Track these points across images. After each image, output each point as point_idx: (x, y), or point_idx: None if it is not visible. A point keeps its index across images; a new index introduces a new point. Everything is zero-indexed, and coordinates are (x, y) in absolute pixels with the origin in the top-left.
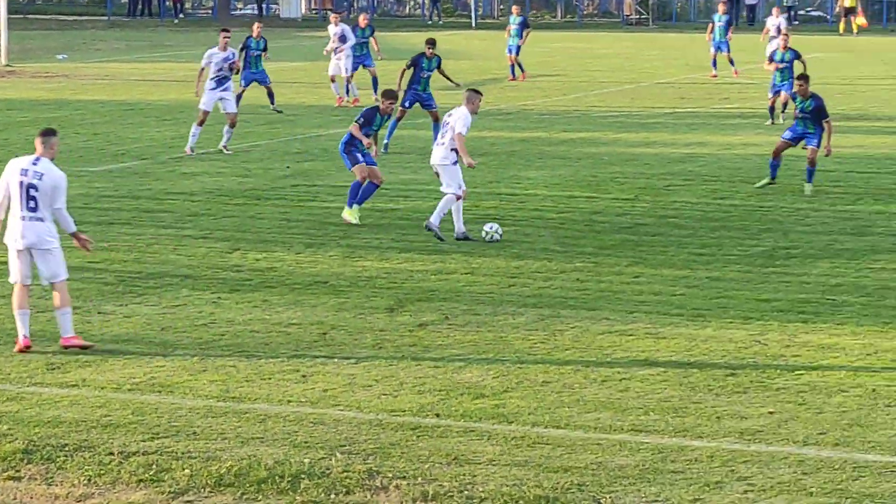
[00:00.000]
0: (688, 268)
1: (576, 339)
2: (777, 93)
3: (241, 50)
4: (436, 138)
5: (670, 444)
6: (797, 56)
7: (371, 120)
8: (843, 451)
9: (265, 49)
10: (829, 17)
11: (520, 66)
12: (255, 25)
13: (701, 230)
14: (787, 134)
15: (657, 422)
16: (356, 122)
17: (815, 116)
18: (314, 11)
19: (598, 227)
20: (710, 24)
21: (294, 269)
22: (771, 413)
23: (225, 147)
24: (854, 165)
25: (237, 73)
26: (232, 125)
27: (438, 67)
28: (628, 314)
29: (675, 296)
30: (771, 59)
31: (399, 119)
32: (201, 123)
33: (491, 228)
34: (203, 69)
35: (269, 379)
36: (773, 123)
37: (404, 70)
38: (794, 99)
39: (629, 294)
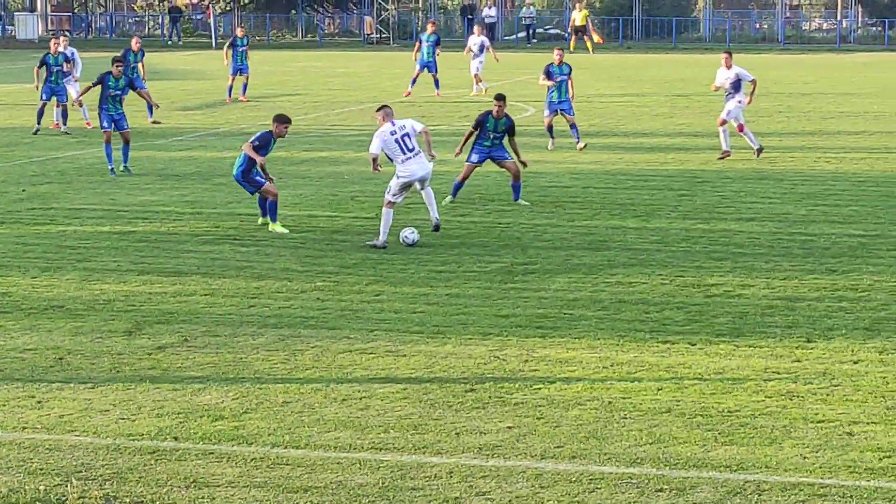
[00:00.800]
0: (428, 285)
1: (316, 359)
2: (555, 112)
3: (41, 66)
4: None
5: (410, 462)
6: (571, 71)
7: (266, 144)
8: (580, 463)
9: (67, 60)
10: (566, 35)
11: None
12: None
13: (441, 247)
14: (474, 157)
15: (397, 439)
16: (251, 143)
17: (509, 134)
18: (51, 32)
19: (340, 246)
20: (418, 43)
21: (30, 294)
22: (509, 428)
23: None
24: (591, 181)
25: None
26: None
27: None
28: (369, 332)
29: (416, 313)
30: (548, 76)
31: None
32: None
33: (406, 237)
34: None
35: (3, 406)
36: (553, 146)
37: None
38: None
39: (370, 312)
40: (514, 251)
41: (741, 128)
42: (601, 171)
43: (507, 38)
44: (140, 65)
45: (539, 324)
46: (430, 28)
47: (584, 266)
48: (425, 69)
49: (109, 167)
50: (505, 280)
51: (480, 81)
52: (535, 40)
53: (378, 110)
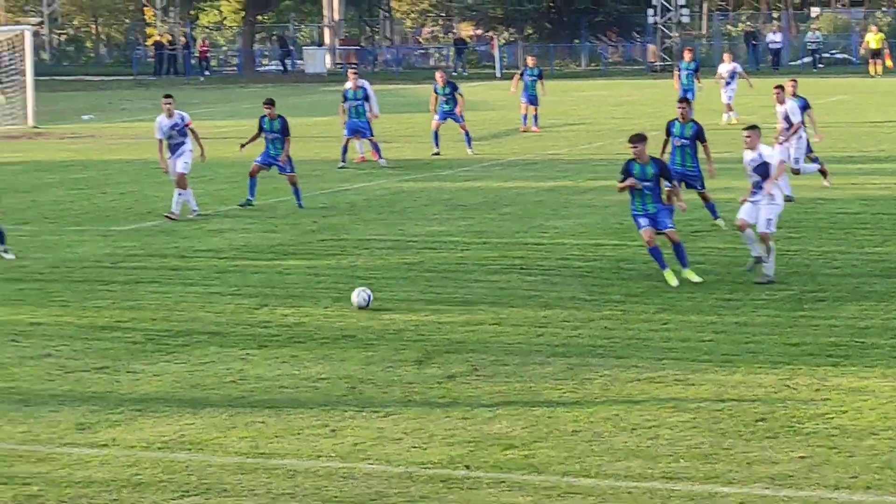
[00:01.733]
0: (716, 313)
1: (605, 388)
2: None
3: (344, 101)
4: None
5: (701, 492)
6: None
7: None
8: (876, 494)
9: (366, 98)
10: (853, 59)
11: (535, 118)
12: (351, 73)
13: (728, 276)
14: None
15: (687, 469)
16: None
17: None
18: (339, 66)
19: (626, 275)
20: (676, 71)
21: (322, 324)
22: (802, 458)
23: (172, 214)
24: (882, 207)
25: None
26: (179, 186)
27: None
28: (657, 361)
29: (704, 342)
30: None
31: None
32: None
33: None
34: (161, 141)
35: (299, 434)
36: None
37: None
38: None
39: (658, 341)
40: (803, 279)
41: None
42: (891, 196)
43: (792, 63)
44: (457, 96)
45: (830, 352)
46: (687, 56)
47: (875, 293)
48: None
49: None
50: (794, 308)
51: (731, 110)
52: (821, 65)
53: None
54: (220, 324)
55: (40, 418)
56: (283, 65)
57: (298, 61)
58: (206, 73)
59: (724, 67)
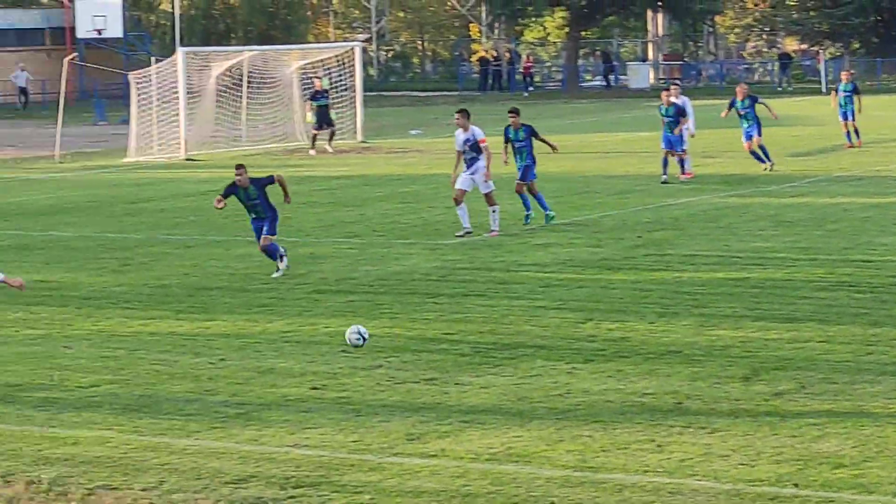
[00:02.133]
0: None
1: None
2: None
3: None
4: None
5: None
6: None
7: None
8: None
9: (683, 115)
10: None
11: (856, 131)
12: (668, 92)
13: None
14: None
15: None
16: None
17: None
18: (661, 81)
19: None
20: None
21: (647, 339)
22: None
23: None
24: None
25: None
26: (490, 205)
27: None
28: None
29: None
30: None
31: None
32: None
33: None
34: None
35: (626, 448)
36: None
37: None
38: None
39: None
40: None
41: None
42: None
43: None
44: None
45: None
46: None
47: None
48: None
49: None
50: None
51: None
52: None
53: None
54: (545, 337)
55: (371, 428)
56: (607, 80)
57: (622, 77)
58: (530, 88)
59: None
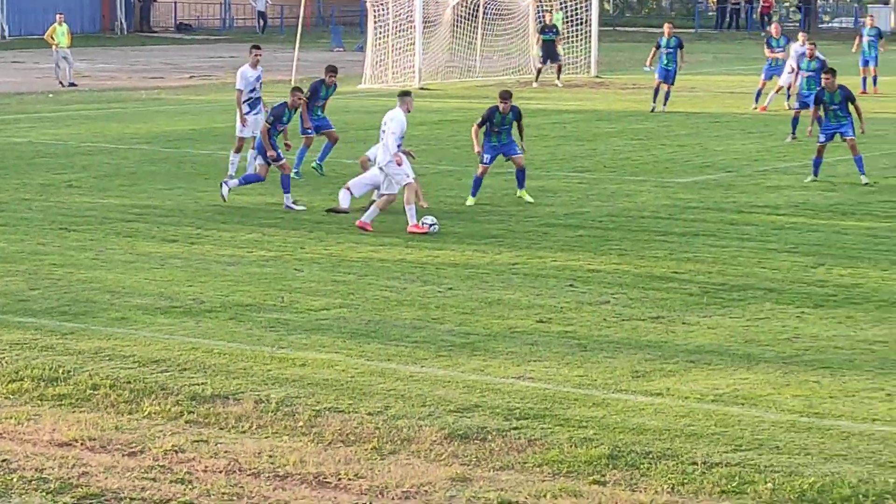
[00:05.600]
0: None
1: None
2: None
3: (656, 47)
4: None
5: None
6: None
7: (490, 117)
8: None
9: (680, 46)
10: None
11: (874, 79)
12: (667, 25)
13: None
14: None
15: None
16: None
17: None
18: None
19: None
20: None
21: (880, 286)
22: None
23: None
24: None
25: None
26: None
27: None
28: None
29: None
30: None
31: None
32: (238, 150)
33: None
34: (241, 91)
35: (853, 396)
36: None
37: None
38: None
39: None
40: None
41: None
42: None
43: None
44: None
45: None
46: (868, 21)
47: None
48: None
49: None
50: None
51: None
52: None
53: None
54: (775, 280)
55: (596, 363)
56: (804, 19)
57: (861, 19)
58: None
59: None
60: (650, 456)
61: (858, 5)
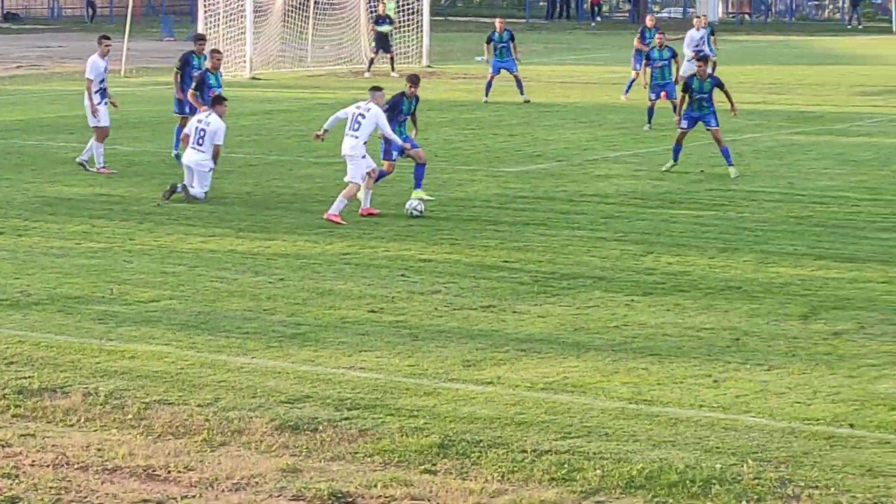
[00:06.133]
0: None
1: None
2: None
3: (488, 42)
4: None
5: None
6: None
7: (398, 104)
8: None
9: (512, 39)
10: None
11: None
12: (498, 20)
13: None
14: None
15: None
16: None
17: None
18: (731, 15)
19: None
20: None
21: (707, 274)
22: None
23: (86, 163)
24: None
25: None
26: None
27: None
28: None
29: None
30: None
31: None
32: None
33: (410, 205)
34: (92, 81)
35: (681, 383)
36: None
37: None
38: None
39: None
40: None
41: None
42: None
43: None
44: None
45: None
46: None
47: None
48: None
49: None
50: None
51: None
52: None
53: None
54: (604, 268)
55: (428, 353)
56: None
57: (690, 9)
58: (598, 18)
59: None
60: (480, 444)
61: None
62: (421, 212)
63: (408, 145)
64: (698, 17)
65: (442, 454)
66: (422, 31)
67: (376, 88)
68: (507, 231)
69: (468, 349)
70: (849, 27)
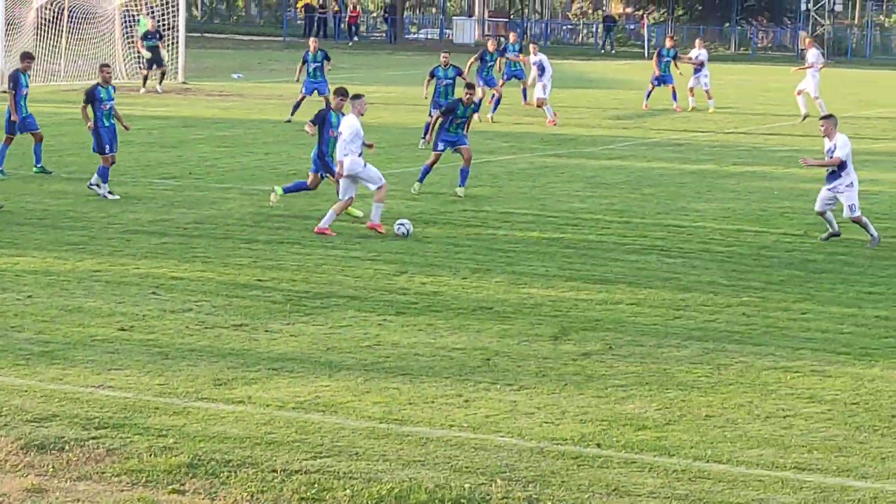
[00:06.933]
0: (857, 306)
1: (740, 374)
2: None
3: (303, 63)
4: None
5: (833, 484)
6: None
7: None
8: None
9: (327, 59)
10: None
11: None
12: (312, 40)
13: (871, 269)
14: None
15: (820, 460)
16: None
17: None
18: (486, 37)
19: (766, 262)
20: (655, 58)
21: (460, 294)
22: None
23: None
24: None
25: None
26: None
27: None
28: (794, 351)
29: (843, 334)
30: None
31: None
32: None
33: (402, 227)
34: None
35: (432, 403)
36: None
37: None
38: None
39: (796, 330)
40: None
41: None
42: None
43: None
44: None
45: None
46: (668, 42)
47: None
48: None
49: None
50: None
51: (710, 98)
52: None
53: None
54: (358, 288)
55: (178, 371)
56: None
57: (447, 31)
58: (355, 38)
59: (695, 52)
60: (230, 464)
61: (444, 17)
62: (407, 232)
63: (342, 172)
64: (491, 38)
65: (191, 474)
66: (177, 47)
67: (356, 97)
68: (261, 249)
69: (219, 368)
70: (602, 51)
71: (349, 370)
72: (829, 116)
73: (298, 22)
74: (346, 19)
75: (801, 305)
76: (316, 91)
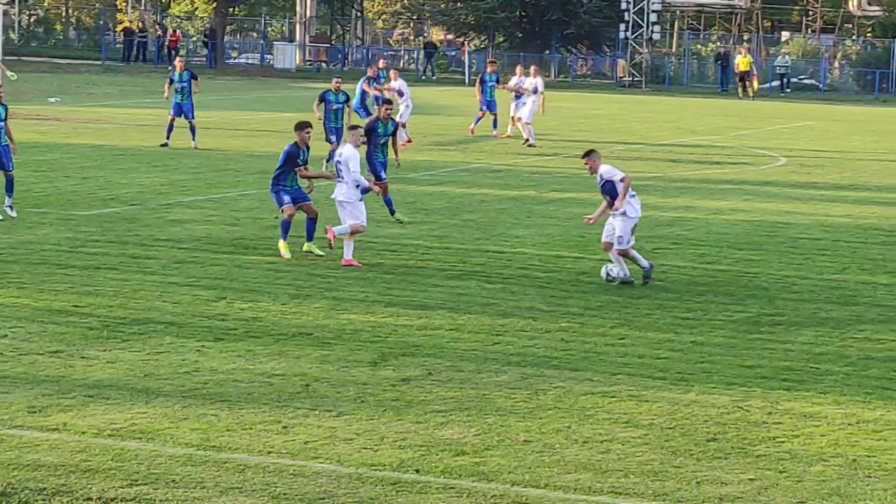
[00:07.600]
0: (673, 331)
1: (558, 399)
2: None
3: (170, 83)
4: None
5: None
6: None
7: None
8: None
9: (194, 78)
10: (821, 85)
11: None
12: (178, 60)
13: (687, 294)
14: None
15: (637, 485)
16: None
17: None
18: (308, 63)
19: (585, 288)
20: (478, 84)
21: (279, 320)
22: (751, 480)
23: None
24: (841, 234)
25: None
26: None
27: None
28: (612, 376)
29: (660, 359)
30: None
31: None
32: None
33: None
34: None
35: (251, 429)
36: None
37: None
38: None
39: (613, 356)
40: (762, 301)
41: None
42: (852, 224)
43: (761, 86)
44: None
45: (784, 376)
46: (490, 68)
47: (832, 320)
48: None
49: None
50: (751, 330)
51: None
52: (788, 90)
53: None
54: (176, 314)
55: None
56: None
57: (268, 56)
58: (175, 62)
59: (530, 81)
60: (44, 492)
61: (265, 42)
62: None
63: (376, 188)
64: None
65: (4, 502)
66: None
67: (353, 127)
68: (78, 275)
69: (34, 395)
70: (423, 78)
71: (167, 397)
72: (591, 152)
73: (117, 45)
74: (167, 43)
75: (618, 331)
76: (183, 115)
